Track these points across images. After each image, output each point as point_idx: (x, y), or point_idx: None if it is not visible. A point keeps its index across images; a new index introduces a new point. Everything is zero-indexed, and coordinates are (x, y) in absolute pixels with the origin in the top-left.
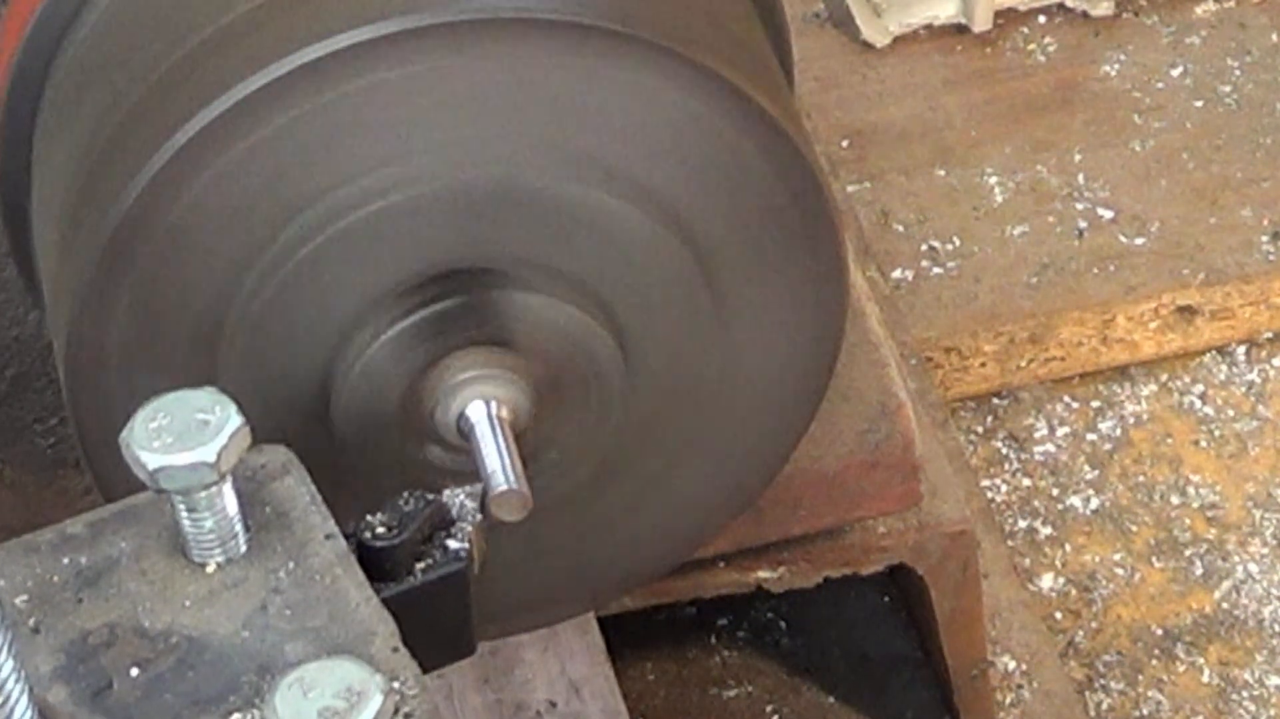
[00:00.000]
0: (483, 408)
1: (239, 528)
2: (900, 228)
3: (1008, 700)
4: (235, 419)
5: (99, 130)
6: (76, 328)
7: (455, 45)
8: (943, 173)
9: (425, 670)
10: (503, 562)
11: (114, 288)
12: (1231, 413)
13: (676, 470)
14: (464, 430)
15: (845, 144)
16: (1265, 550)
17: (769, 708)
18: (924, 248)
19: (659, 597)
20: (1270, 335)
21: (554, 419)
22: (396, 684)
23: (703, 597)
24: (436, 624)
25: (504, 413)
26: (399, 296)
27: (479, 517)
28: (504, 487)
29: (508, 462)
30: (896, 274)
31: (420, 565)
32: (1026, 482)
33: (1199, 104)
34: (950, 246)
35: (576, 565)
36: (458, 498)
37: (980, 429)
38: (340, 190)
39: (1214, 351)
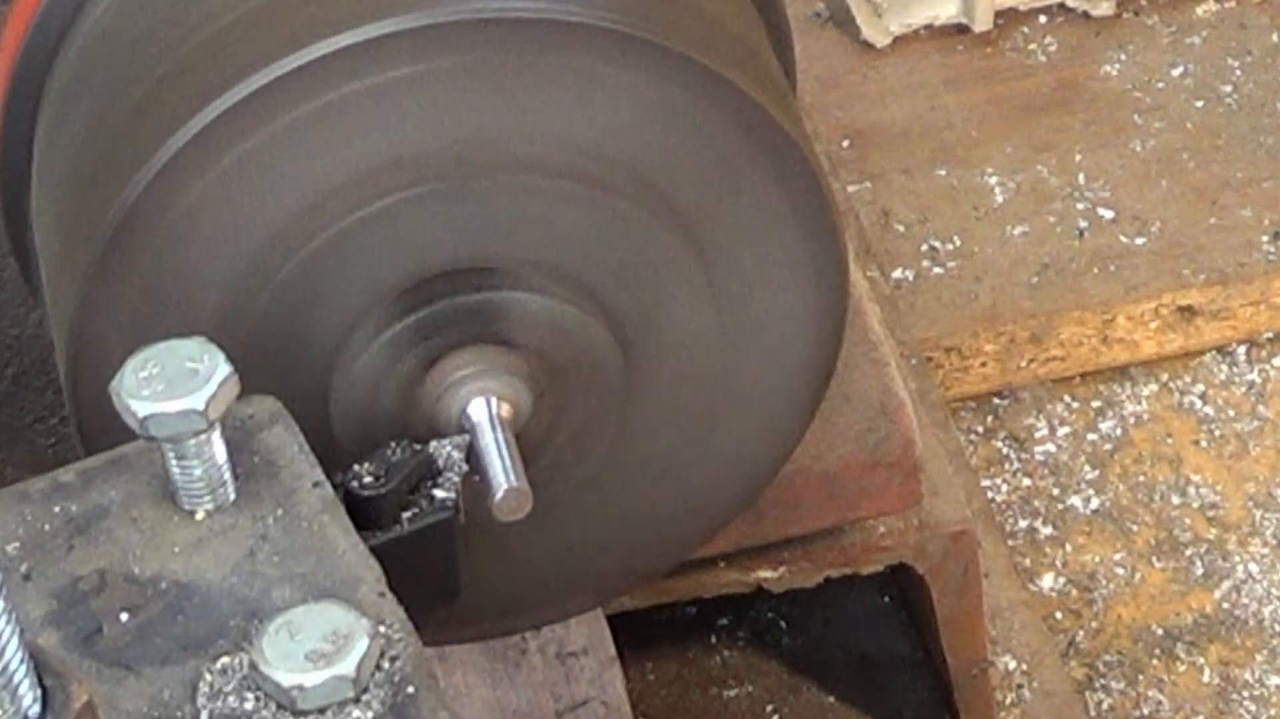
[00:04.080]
0: (483, 406)
1: (228, 476)
2: (901, 228)
3: (1008, 700)
4: (224, 368)
5: (100, 129)
6: (77, 327)
7: (455, 45)
8: (943, 173)
9: (412, 618)
10: (502, 559)
11: (114, 288)
12: (1232, 413)
13: (676, 469)
14: (464, 429)
15: (846, 144)
16: (1265, 550)
17: (769, 708)
18: (924, 248)
19: (659, 596)
20: (1270, 335)
21: (554, 418)
22: (383, 629)
23: (703, 596)
24: (423, 572)
25: (504, 411)
26: (399, 294)
27: (465, 467)
28: (504, 485)
29: (508, 460)
30: (897, 274)
31: (407, 515)
32: (1027, 481)
33: (1199, 104)
34: (951, 246)
35: (576, 563)
36: (444, 448)
37: (980, 429)
38: (340, 190)
39: (1214, 351)
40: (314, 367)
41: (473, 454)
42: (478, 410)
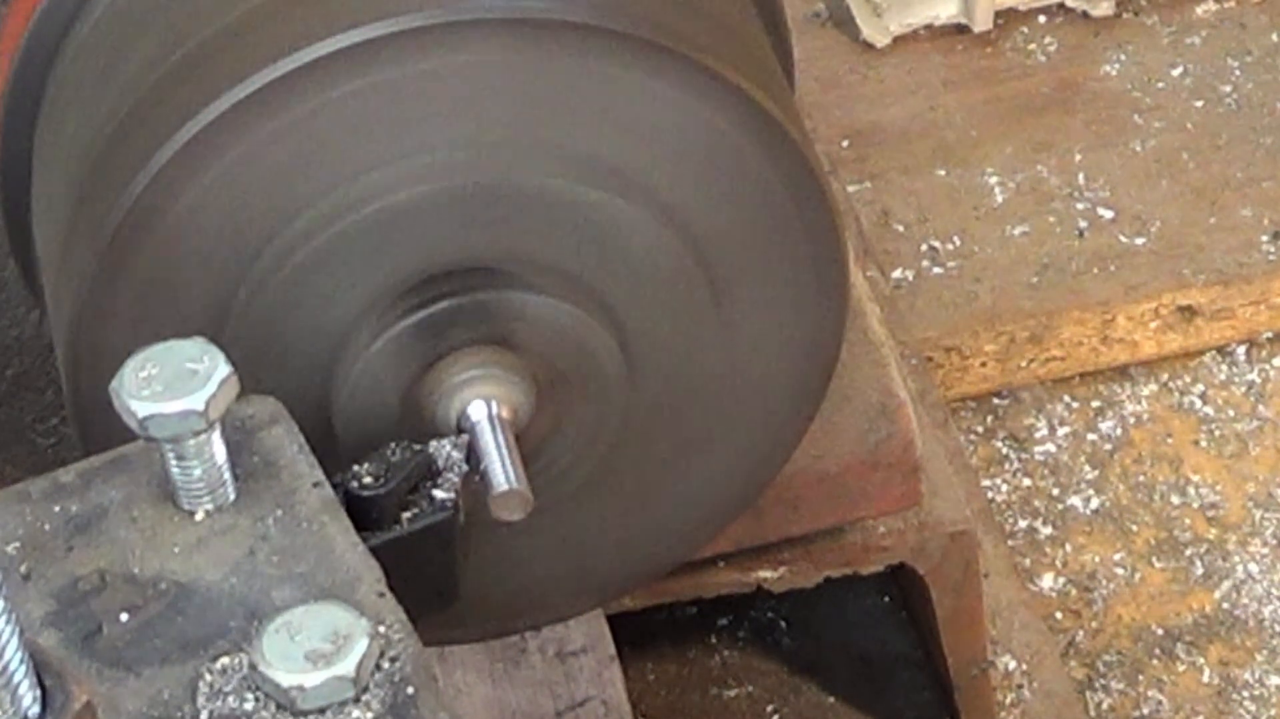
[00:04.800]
0: (483, 407)
1: (227, 476)
2: (900, 228)
3: (1008, 700)
4: (224, 368)
5: (100, 130)
6: (78, 328)
7: (455, 45)
8: (943, 173)
9: (411, 618)
10: (503, 560)
11: (115, 288)
12: (1232, 413)
13: (677, 470)
14: (464, 430)
15: (845, 144)
16: (1265, 550)
17: (770, 708)
18: (924, 248)
19: (659, 596)
20: (1270, 335)
21: (555, 418)
22: (383, 629)
23: (703, 596)
24: (423, 573)
25: (504, 412)
26: (399, 296)
27: (465, 468)
28: (504, 486)
29: (508, 461)
30: (897, 274)
31: (407, 515)
32: (1027, 481)
33: (1199, 104)
34: (950, 246)
35: (577, 564)
36: (444, 449)
37: (980, 429)
38: (340, 190)
39: (1214, 352)
40: (314, 367)
41: (473, 455)
42: (478, 411)
